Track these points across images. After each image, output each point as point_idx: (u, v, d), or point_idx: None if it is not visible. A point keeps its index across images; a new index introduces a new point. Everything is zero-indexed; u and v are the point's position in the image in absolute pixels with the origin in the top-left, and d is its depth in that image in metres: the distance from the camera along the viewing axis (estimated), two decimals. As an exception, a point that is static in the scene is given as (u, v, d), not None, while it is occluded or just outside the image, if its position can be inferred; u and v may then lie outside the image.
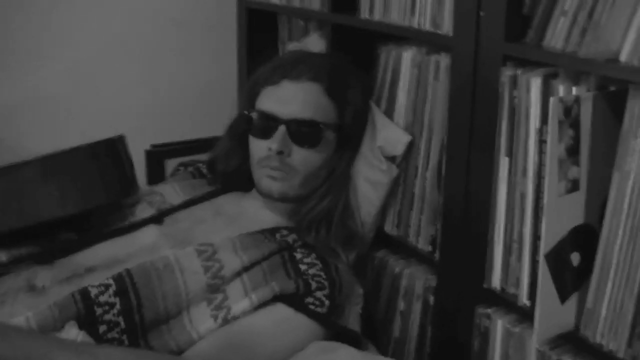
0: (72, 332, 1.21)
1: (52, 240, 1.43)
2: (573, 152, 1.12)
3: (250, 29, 1.98)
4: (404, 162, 1.52)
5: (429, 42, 1.44)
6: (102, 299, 1.26)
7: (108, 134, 2.07)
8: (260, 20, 1.99)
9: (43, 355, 1.09)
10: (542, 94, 1.18)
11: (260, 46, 1.98)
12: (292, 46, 1.79)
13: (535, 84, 1.19)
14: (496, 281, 1.32)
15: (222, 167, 1.62)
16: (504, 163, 1.27)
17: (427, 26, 1.40)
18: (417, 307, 1.51)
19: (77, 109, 2.14)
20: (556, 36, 1.16)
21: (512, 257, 1.28)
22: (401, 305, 1.55)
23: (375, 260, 1.60)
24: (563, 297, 1.17)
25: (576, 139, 1.12)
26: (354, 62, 1.59)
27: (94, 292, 1.26)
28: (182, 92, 2.24)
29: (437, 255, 1.45)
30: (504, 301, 1.31)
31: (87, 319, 1.24)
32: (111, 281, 1.28)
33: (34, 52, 2.04)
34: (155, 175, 2.06)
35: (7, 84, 2.02)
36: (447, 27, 1.35)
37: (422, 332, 1.50)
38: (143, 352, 1.24)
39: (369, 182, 1.53)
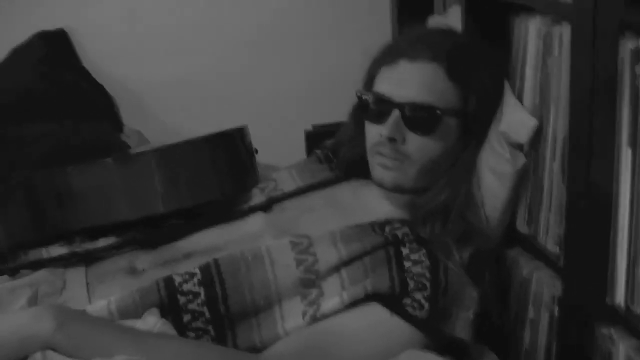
0: (151, 320, 1.19)
1: (160, 225, 1.43)
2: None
3: (403, 3, 1.85)
4: (533, 150, 1.31)
5: (552, 11, 1.22)
6: (185, 287, 1.23)
7: (268, 116, 2.07)
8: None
9: (101, 345, 1.09)
10: (666, 71, 0.95)
11: (415, 19, 1.84)
12: (433, 20, 1.64)
13: (658, 58, 0.96)
14: (620, 297, 1.09)
15: (345, 153, 1.52)
16: (626, 155, 1.04)
17: (549, -8, 1.19)
18: (545, 316, 1.31)
19: (235, 90, 2.15)
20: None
21: (639, 268, 1.06)
22: (531, 312, 1.36)
23: (507, 260, 1.42)
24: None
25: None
26: (489, 36, 1.41)
27: (177, 280, 1.24)
28: (343, 71, 2.16)
29: (562, 260, 1.24)
30: (628, 322, 1.08)
31: (171, 307, 1.22)
32: (197, 270, 1.25)
33: (191, 31, 2.08)
34: (315, 156, 2.01)
35: (165, 62, 2.08)
36: (566, -8, 1.14)
37: (549, 345, 1.31)
38: (210, 347, 1.19)
39: (494, 172, 1.35)
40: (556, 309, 1.27)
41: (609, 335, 1.12)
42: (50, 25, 2.12)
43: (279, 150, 1.83)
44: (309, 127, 2.12)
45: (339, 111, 2.06)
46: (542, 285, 1.31)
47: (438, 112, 1.33)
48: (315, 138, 2.07)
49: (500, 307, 1.37)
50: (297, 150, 2.06)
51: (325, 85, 2.18)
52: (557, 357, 1.27)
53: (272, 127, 2.09)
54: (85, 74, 2.10)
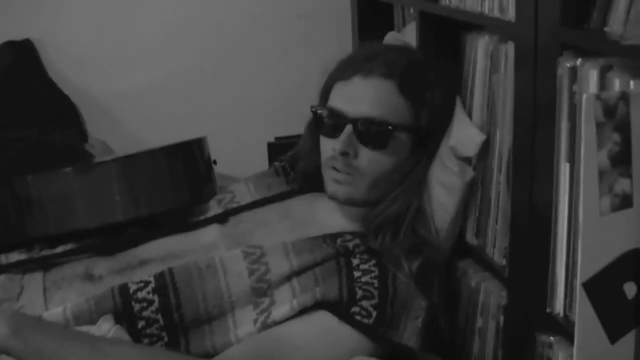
0: (105, 326, 1.21)
1: (117, 233, 1.45)
2: (621, 161, 0.92)
3: (365, 19, 1.89)
4: (481, 164, 1.35)
5: (498, 29, 1.26)
6: (140, 295, 1.26)
7: (231, 127, 2.10)
8: (376, 10, 1.88)
9: (55, 351, 1.11)
10: (600, 90, 0.99)
11: (376, 36, 1.87)
12: (390, 36, 1.67)
13: (592, 78, 1.00)
14: (559, 306, 1.13)
15: (302, 166, 1.55)
16: (564, 170, 1.08)
17: (495, 12, 1.23)
18: (492, 325, 1.35)
19: (200, 101, 2.18)
20: (617, 20, 0.96)
21: (577, 279, 1.09)
22: (479, 322, 1.39)
23: (457, 271, 1.46)
24: (613, 336, 0.97)
25: (625, 145, 0.92)
26: (443, 53, 1.45)
27: (132, 287, 1.26)
28: (307, 84, 2.19)
29: (507, 270, 1.28)
30: (566, 330, 1.12)
31: (125, 314, 1.24)
32: (151, 278, 1.27)
33: (157, 43, 2.10)
34: (277, 167, 2.03)
35: (130, 73, 2.09)
36: (511, 12, 1.18)
37: (495, 353, 1.34)
38: (162, 353, 1.22)
39: (443, 185, 1.39)
40: (502, 318, 1.30)
41: (548, 342, 1.16)
42: (16, 35, 2.13)
43: (242, 161, 1.86)
44: (272, 139, 2.14)
45: (301, 123, 2.11)
46: (490, 295, 1.35)
47: (390, 127, 1.36)
48: (278, 149, 2.10)
49: (448, 316, 1.40)
50: (260, 161, 2.09)
51: (288, 97, 2.21)
52: (503, 365, 1.31)
53: (235, 138, 2.12)
54: (50, 84, 2.11)
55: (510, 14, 1.18)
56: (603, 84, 0.98)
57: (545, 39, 1.07)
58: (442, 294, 1.36)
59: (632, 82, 0.94)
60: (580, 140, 1.03)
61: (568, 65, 1.04)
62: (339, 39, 2.09)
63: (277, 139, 2.14)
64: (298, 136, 2.09)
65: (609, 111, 0.90)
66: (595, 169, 0.91)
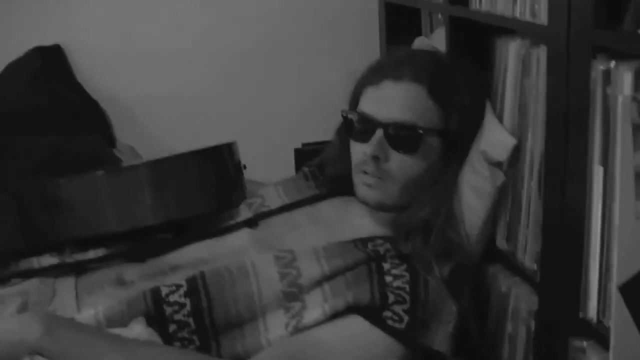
0: (137, 329, 1.22)
1: (148, 239, 1.46)
2: (658, 163, 0.92)
3: (392, 24, 1.89)
4: (512, 168, 1.35)
5: (529, 33, 1.26)
6: (172, 298, 1.26)
7: (259, 133, 2.10)
8: (403, 16, 1.89)
9: (87, 351, 1.12)
10: (635, 92, 0.98)
11: (403, 41, 1.88)
12: (419, 41, 1.67)
13: (627, 80, 0.99)
14: (592, 311, 1.12)
15: (331, 171, 1.55)
16: (598, 173, 1.08)
17: (527, 15, 1.23)
18: (522, 331, 1.34)
19: (227, 107, 2.19)
20: (653, 22, 0.96)
21: (610, 284, 1.08)
22: (509, 327, 1.38)
23: (487, 276, 1.45)
24: (649, 339, 0.97)
25: (661, 147, 0.92)
26: (472, 58, 1.45)
27: (164, 291, 1.27)
28: (333, 90, 2.20)
29: (538, 275, 1.27)
30: (600, 335, 1.11)
31: (157, 318, 1.25)
32: (183, 282, 1.28)
33: (185, 48, 2.11)
34: (304, 173, 2.04)
35: (158, 78, 2.11)
36: (543, 15, 1.17)
37: (527, 358, 1.33)
38: (194, 355, 1.22)
39: (473, 190, 1.39)
40: (533, 323, 1.29)
41: (581, 347, 1.15)
42: (46, 41, 2.15)
43: (269, 167, 1.87)
44: (299, 145, 2.15)
45: (328, 130, 2.11)
46: (520, 301, 1.34)
47: (420, 131, 1.36)
48: (305, 156, 2.11)
49: (478, 321, 1.39)
50: (287, 167, 2.10)
51: (315, 104, 2.22)
52: (534, 371, 1.30)
53: (262, 144, 2.13)
54: (79, 89, 2.13)
55: (542, 18, 1.18)
56: (638, 86, 0.98)
57: (578, 42, 1.07)
58: (472, 299, 1.36)
59: (667, 85, 0.94)
60: (615, 143, 1.03)
61: (602, 68, 1.03)
62: (365, 44, 2.10)
63: (304, 145, 2.14)
64: (325, 142, 2.10)
65: (646, 113, 0.90)
66: (631, 171, 0.91)
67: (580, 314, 1.14)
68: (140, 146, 1.97)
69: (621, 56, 1.02)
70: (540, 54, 1.21)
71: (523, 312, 1.33)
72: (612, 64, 1.02)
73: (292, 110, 2.24)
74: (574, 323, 1.15)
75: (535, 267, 1.30)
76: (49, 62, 2.12)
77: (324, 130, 2.11)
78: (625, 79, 0.99)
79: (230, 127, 2.13)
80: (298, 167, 2.10)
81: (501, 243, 1.41)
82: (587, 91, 1.06)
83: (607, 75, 1.03)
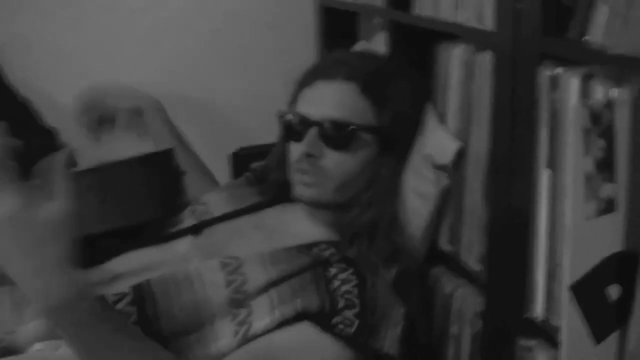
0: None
1: (90, 246, 1.42)
2: (605, 166, 0.95)
3: (330, 29, 1.90)
4: (456, 171, 1.37)
5: (474, 38, 1.29)
6: (118, 306, 1.23)
7: (196, 137, 2.07)
8: (341, 20, 1.90)
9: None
10: (581, 98, 1.01)
11: (341, 46, 1.89)
12: (360, 46, 1.69)
13: (573, 86, 1.02)
14: (538, 311, 1.15)
15: (275, 176, 1.55)
16: (544, 176, 1.11)
17: (472, 21, 1.25)
18: (467, 332, 1.36)
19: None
20: (598, 30, 0.99)
21: (556, 284, 1.12)
22: (454, 328, 1.41)
23: (431, 278, 1.47)
24: (598, 337, 1.00)
25: (609, 151, 0.95)
26: (414, 63, 1.47)
27: (111, 299, 1.24)
28: (270, 94, 2.19)
29: (484, 276, 1.30)
30: (546, 334, 1.14)
31: (102, 326, 1.21)
32: (129, 290, 1.25)
33: (120, 54, 2.07)
34: (241, 178, 2.02)
35: (90, 78, 2.06)
36: (489, 21, 1.20)
37: (472, 359, 1.36)
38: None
39: (417, 193, 1.40)
40: (478, 324, 1.32)
41: (528, 347, 1.18)
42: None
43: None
44: (235, 149, 2.13)
45: (265, 134, 2.11)
46: (465, 302, 1.37)
47: (353, 128, 1.37)
48: (241, 160, 2.10)
49: (424, 323, 1.41)
50: (224, 171, 2.08)
51: (252, 107, 2.20)
52: (480, 370, 1.32)
53: (198, 148, 2.10)
54: (11, 90, 2.06)
55: (489, 24, 1.20)
56: (584, 92, 1.01)
57: (525, 49, 1.10)
58: (418, 301, 1.38)
59: (614, 90, 0.97)
60: (561, 147, 1.07)
61: (548, 73, 1.06)
62: (304, 48, 2.10)
63: (241, 149, 2.13)
64: (262, 146, 2.10)
65: (595, 118, 0.93)
66: (581, 174, 0.93)
67: (527, 314, 1.17)
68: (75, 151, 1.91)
69: (566, 63, 1.05)
70: (485, 59, 1.24)
71: (468, 313, 1.35)
72: (559, 70, 1.05)
73: (229, 113, 2.22)
74: (521, 323, 1.18)
75: (480, 268, 1.32)
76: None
77: (261, 133, 2.11)
78: (571, 84, 1.03)
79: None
80: (235, 172, 2.09)
81: (445, 245, 1.43)
82: (533, 96, 1.09)
83: (554, 81, 1.06)
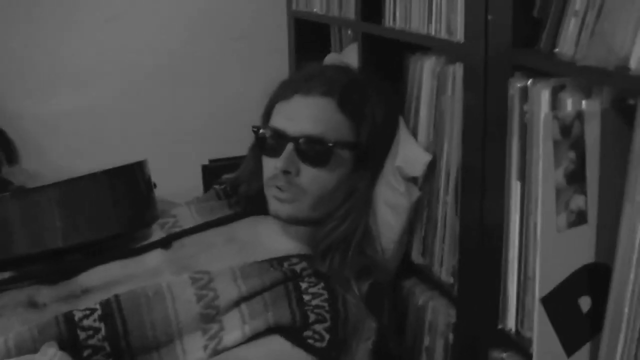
0: (50, 352, 1.17)
1: (59, 260, 1.40)
2: (576, 178, 0.95)
3: (301, 40, 1.90)
4: (427, 184, 1.37)
5: (445, 50, 1.29)
6: (86, 322, 1.21)
7: (165, 150, 2.06)
8: (312, 32, 1.90)
9: None
10: (552, 109, 1.01)
11: (313, 57, 1.88)
12: (330, 57, 1.68)
13: (544, 98, 1.02)
14: (511, 323, 1.15)
15: (245, 189, 1.53)
16: (515, 188, 1.11)
17: (443, 33, 1.25)
18: (440, 343, 1.36)
19: (130, 123, 2.13)
20: (568, 42, 0.99)
21: (528, 296, 1.11)
22: (426, 340, 1.40)
23: (403, 290, 1.46)
24: (570, 349, 0.99)
25: (580, 163, 0.95)
26: (386, 74, 1.47)
27: (78, 315, 1.22)
28: (240, 106, 2.18)
29: (456, 289, 1.29)
30: (519, 346, 1.14)
31: (70, 342, 1.20)
32: (97, 306, 1.23)
33: (90, 67, 2.05)
34: (212, 190, 2.01)
35: (64, 96, 2.04)
36: (459, 33, 1.20)
37: (445, 372, 1.35)
38: None
39: (389, 205, 1.40)
40: (451, 336, 1.31)
41: (500, 358, 1.17)
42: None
43: (176, 184, 1.83)
44: (206, 162, 2.12)
45: (235, 146, 2.10)
46: (437, 314, 1.36)
47: (330, 144, 1.36)
48: (212, 172, 2.09)
49: (397, 336, 1.41)
50: (194, 184, 2.06)
51: (222, 119, 2.19)
52: (452, 383, 1.32)
53: (168, 161, 2.09)
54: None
55: (459, 36, 1.20)
56: (555, 103, 1.01)
57: (496, 60, 1.10)
58: (391, 314, 1.37)
59: (584, 102, 0.97)
60: (533, 159, 1.06)
61: (519, 85, 1.06)
62: (275, 60, 2.09)
63: (211, 161, 2.12)
64: (233, 158, 2.09)
65: (565, 130, 0.93)
66: (552, 186, 0.93)
67: (500, 326, 1.17)
68: (43, 165, 1.88)
69: (536, 74, 1.05)
70: (457, 70, 1.24)
71: (441, 325, 1.35)
72: (530, 81, 1.05)
73: (199, 125, 2.20)
74: (493, 334, 1.18)
75: (452, 280, 1.32)
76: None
77: (231, 146, 2.10)
78: (542, 96, 1.03)
79: (135, 144, 2.08)
80: (206, 184, 2.08)
81: (417, 257, 1.43)
82: (504, 108, 1.09)
83: (524, 92, 1.06)
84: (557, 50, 1.01)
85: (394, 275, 1.46)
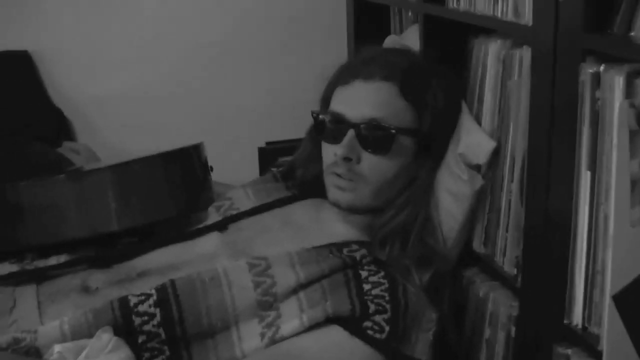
0: (105, 337, 1.16)
1: (114, 244, 1.40)
2: (652, 170, 0.90)
3: (360, 22, 1.86)
4: (491, 171, 1.32)
5: (511, 33, 1.24)
6: (141, 308, 1.20)
7: (221, 133, 2.05)
8: (371, 14, 1.85)
9: None
10: (626, 96, 0.96)
11: (372, 40, 1.84)
12: (390, 40, 1.64)
13: (618, 84, 0.97)
14: (578, 318, 1.10)
15: (301, 172, 1.51)
16: (585, 178, 1.06)
17: (510, 15, 1.20)
18: (501, 336, 1.32)
19: (187, 106, 2.13)
20: (645, 25, 0.94)
21: (596, 290, 1.07)
22: (487, 332, 1.36)
23: (463, 280, 1.43)
24: (641, 349, 0.95)
25: (657, 154, 0.90)
26: (448, 57, 1.42)
27: (133, 300, 1.21)
28: (298, 89, 2.16)
29: (519, 280, 1.25)
30: (585, 342, 1.09)
31: (125, 328, 1.19)
32: (153, 291, 1.22)
33: (145, 47, 2.05)
34: (268, 172, 2.00)
35: (117, 78, 2.04)
36: (527, 15, 1.15)
37: (506, 365, 1.31)
38: None
39: (451, 193, 1.36)
40: (513, 329, 1.27)
41: (565, 355, 1.13)
42: (14, 46, 2.05)
43: (233, 167, 1.82)
44: (262, 144, 2.11)
45: (292, 128, 2.08)
46: (499, 306, 1.32)
47: (392, 131, 1.33)
48: (269, 154, 2.08)
49: (457, 328, 1.37)
50: (251, 166, 2.06)
51: (278, 102, 2.17)
52: (514, 377, 1.28)
53: (225, 143, 2.08)
54: (40, 93, 2.03)
55: (527, 18, 1.15)
56: (630, 90, 0.96)
57: (566, 45, 1.05)
58: (451, 305, 1.33)
59: (661, 90, 0.92)
60: (605, 148, 1.01)
61: (591, 71, 1.01)
62: (332, 42, 2.06)
63: (267, 143, 2.10)
64: (289, 141, 2.08)
65: (642, 119, 0.88)
66: (627, 178, 0.89)
67: (565, 320, 1.13)
68: (98, 147, 1.89)
69: (609, 59, 1.00)
70: (524, 54, 1.19)
71: (502, 317, 1.31)
72: (602, 67, 1.00)
73: (255, 108, 2.19)
74: (558, 329, 1.14)
75: (515, 271, 1.27)
76: (13, 66, 2.02)
77: (287, 128, 2.09)
78: (616, 82, 0.97)
79: (192, 126, 2.08)
80: (262, 166, 2.07)
81: (478, 247, 1.39)
82: (575, 94, 1.04)
83: (596, 78, 1.01)
84: (632, 34, 0.96)
85: (455, 265, 1.42)
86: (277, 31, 2.13)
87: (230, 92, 2.16)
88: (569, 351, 1.12)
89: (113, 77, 2.03)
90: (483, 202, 1.36)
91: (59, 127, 1.98)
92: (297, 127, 2.06)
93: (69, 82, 2.02)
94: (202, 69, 2.12)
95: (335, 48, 2.05)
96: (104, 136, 2.05)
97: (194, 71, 2.12)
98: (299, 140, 2.02)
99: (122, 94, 2.06)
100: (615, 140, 0.86)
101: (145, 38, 2.06)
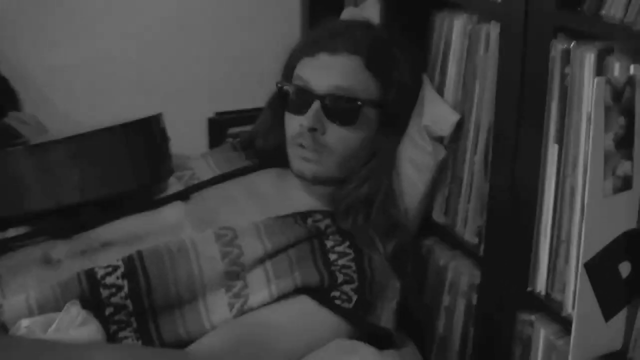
0: (73, 311, 1.15)
1: (74, 214, 1.37)
2: (624, 144, 0.94)
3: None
4: (453, 143, 1.35)
5: (479, 9, 1.26)
6: (108, 280, 1.19)
7: (171, 102, 2.02)
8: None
9: None
10: (596, 73, 1.00)
11: (325, 12, 1.84)
12: (348, 12, 1.65)
13: (589, 61, 1.01)
14: (541, 285, 1.15)
15: (261, 143, 1.51)
16: (552, 151, 1.10)
17: (478, -9, 1.23)
18: (461, 304, 1.36)
19: (139, 75, 2.08)
20: (616, 4, 0.97)
21: (560, 259, 1.12)
22: (446, 300, 1.40)
23: (423, 249, 1.46)
24: (608, 314, 1.00)
25: (629, 129, 0.94)
26: (408, 30, 1.44)
27: (100, 272, 1.20)
28: (248, 59, 2.14)
29: (481, 249, 1.29)
30: (548, 308, 1.14)
31: (93, 300, 1.18)
32: (120, 262, 1.21)
33: (97, 17, 1.99)
34: (218, 143, 1.99)
35: (68, 46, 1.98)
36: (497, -9, 1.18)
37: (465, 331, 1.36)
38: (141, 352, 1.17)
39: (414, 164, 1.38)
40: (475, 296, 1.31)
41: (529, 321, 1.18)
42: None
43: (182, 137, 1.80)
44: (212, 114, 2.09)
45: (242, 98, 2.06)
46: (459, 274, 1.36)
47: (358, 103, 1.34)
48: (218, 125, 2.06)
49: (419, 297, 1.41)
50: (200, 137, 2.04)
51: (228, 72, 2.15)
52: (475, 343, 1.32)
53: (174, 114, 2.05)
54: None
55: (496, -6, 1.18)
56: (600, 67, 1.00)
57: (537, 22, 1.08)
58: (413, 274, 1.36)
59: (632, 67, 0.96)
60: (573, 122, 1.06)
61: (562, 47, 1.05)
62: (283, 13, 2.04)
63: (217, 114, 2.08)
64: (239, 111, 2.06)
65: (616, 95, 0.92)
66: (602, 151, 0.92)
67: (529, 288, 1.17)
68: (47, 119, 1.83)
69: (580, 36, 1.04)
70: (491, 30, 1.21)
71: (463, 286, 1.35)
72: (573, 44, 1.04)
73: (205, 79, 2.15)
74: (522, 296, 1.18)
75: (476, 241, 1.31)
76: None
77: (237, 99, 2.07)
78: (587, 59, 1.01)
79: (140, 96, 2.03)
80: (212, 137, 2.05)
81: (438, 216, 1.42)
82: (545, 70, 1.07)
83: (566, 55, 1.05)
84: (602, 12, 0.99)
85: (416, 235, 1.45)
86: (228, 2, 2.10)
87: (179, 62, 2.12)
88: (533, 317, 1.17)
89: (62, 47, 1.96)
90: (444, 173, 1.39)
91: (5, 96, 1.91)
92: (247, 98, 2.05)
93: (15, 52, 1.95)
94: (149, 40, 2.07)
95: (288, 20, 2.04)
96: (50, 106, 1.99)
97: (143, 44, 2.07)
98: (248, 111, 2.01)
99: (72, 64, 2.00)
100: (593, 115, 0.90)
101: (97, 7, 2.00)
